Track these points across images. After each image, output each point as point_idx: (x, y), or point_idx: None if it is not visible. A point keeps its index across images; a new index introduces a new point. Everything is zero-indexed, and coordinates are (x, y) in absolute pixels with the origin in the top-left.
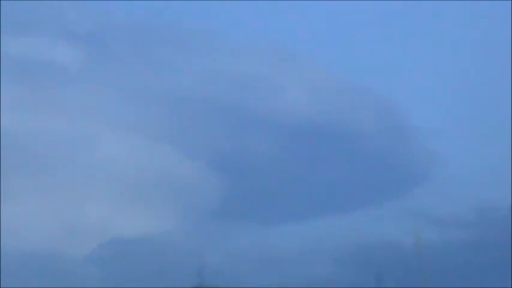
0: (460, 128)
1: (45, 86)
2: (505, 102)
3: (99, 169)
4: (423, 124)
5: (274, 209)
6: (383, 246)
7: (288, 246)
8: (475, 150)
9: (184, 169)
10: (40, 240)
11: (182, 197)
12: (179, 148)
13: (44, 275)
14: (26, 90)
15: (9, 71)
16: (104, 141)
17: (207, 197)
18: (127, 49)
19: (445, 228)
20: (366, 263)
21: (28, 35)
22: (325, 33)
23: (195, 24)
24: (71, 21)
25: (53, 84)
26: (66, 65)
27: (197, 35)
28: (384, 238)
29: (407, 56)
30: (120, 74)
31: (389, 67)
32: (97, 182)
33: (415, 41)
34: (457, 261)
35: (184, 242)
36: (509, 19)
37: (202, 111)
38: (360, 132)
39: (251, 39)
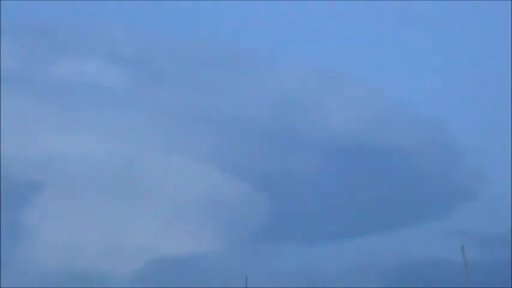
0: (507, 145)
1: (91, 108)
2: None
3: (145, 190)
4: (470, 142)
5: (319, 228)
6: (429, 265)
7: (333, 265)
8: None
9: (229, 190)
10: (87, 259)
11: (227, 217)
12: (224, 169)
13: None
14: (72, 113)
15: (55, 93)
16: (150, 163)
17: (251, 217)
18: (172, 71)
19: (491, 247)
20: (412, 282)
21: (74, 57)
22: (369, 53)
23: (241, 45)
24: (117, 44)
25: (99, 107)
26: (112, 87)
27: (242, 55)
28: (430, 257)
29: (453, 74)
30: (166, 96)
31: (434, 85)
32: (143, 203)
33: (462, 59)
34: (503, 280)
35: (228, 261)
36: None
37: (247, 132)
38: (406, 150)
39: (296, 58)
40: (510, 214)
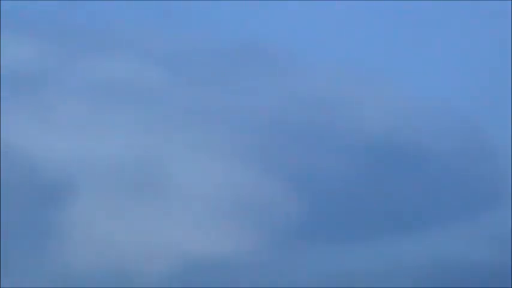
0: None
1: (124, 108)
2: None
3: (176, 189)
4: (503, 143)
5: (351, 228)
6: (460, 266)
7: (367, 266)
8: None
9: (263, 190)
10: (117, 258)
11: (258, 216)
12: (258, 169)
13: None
14: (105, 113)
15: (90, 93)
16: (181, 162)
17: (282, 217)
18: (206, 71)
19: None
20: (443, 282)
21: (108, 55)
22: (400, 53)
23: (275, 46)
24: (152, 43)
25: (131, 107)
26: (146, 87)
27: (276, 56)
28: (461, 257)
29: (484, 72)
30: (199, 96)
31: (466, 84)
32: (177, 203)
33: (494, 58)
34: None
35: (261, 263)
36: None
37: (279, 131)
38: (440, 152)
39: (329, 59)
40: None
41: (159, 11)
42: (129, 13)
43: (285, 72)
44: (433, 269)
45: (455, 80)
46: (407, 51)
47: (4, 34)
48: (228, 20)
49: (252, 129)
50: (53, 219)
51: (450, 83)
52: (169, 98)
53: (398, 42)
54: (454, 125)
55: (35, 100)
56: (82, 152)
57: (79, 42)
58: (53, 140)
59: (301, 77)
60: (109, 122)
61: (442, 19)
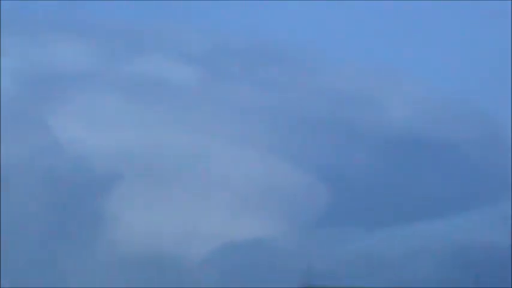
0: None
1: (162, 103)
2: None
3: (215, 180)
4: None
5: (377, 215)
6: (480, 249)
7: (390, 250)
8: None
9: (292, 179)
10: (162, 243)
11: (291, 205)
12: (287, 160)
13: (168, 275)
14: (146, 108)
15: (127, 89)
16: (218, 154)
17: (313, 204)
18: (237, 68)
19: None
20: (465, 264)
21: (146, 54)
22: (419, 49)
23: (301, 44)
24: (185, 43)
25: (169, 102)
26: (182, 83)
27: (303, 54)
28: (481, 241)
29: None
30: (231, 92)
31: (482, 77)
32: (213, 192)
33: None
34: None
35: (291, 246)
36: None
37: (308, 125)
38: (458, 142)
39: (350, 57)
40: None
41: (191, 13)
42: (164, 15)
43: (312, 70)
44: (455, 252)
45: (471, 74)
46: (425, 49)
47: (52, 36)
48: (257, 21)
49: (281, 123)
50: (102, 205)
51: (466, 78)
52: (203, 94)
53: (412, 39)
54: (475, 117)
55: (82, 98)
56: (126, 145)
57: (122, 43)
58: (100, 135)
59: (325, 74)
60: (149, 118)
61: (449, 17)
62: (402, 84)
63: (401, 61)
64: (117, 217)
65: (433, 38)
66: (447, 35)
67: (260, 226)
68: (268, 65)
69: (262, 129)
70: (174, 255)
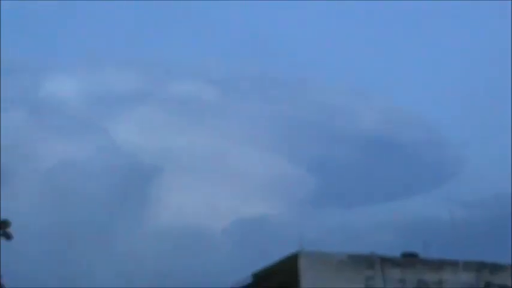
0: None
1: (195, 115)
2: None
3: (230, 171)
4: (453, 134)
5: (353, 197)
6: (427, 222)
7: (362, 223)
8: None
9: (288, 170)
10: (193, 219)
11: (287, 189)
12: (284, 156)
13: (195, 241)
14: (182, 119)
15: (166, 104)
16: (233, 152)
17: (304, 189)
18: (249, 88)
19: (471, 209)
20: (417, 234)
21: (179, 78)
22: (388, 70)
23: (295, 70)
24: (210, 68)
25: (199, 115)
26: (206, 100)
27: (297, 77)
28: (428, 215)
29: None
30: (244, 106)
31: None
32: (229, 180)
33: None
34: (481, 234)
35: (288, 220)
36: None
37: (300, 130)
38: (410, 143)
39: (334, 77)
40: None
41: (212, 44)
42: (192, 47)
43: (302, 89)
44: (408, 224)
45: (426, 91)
46: (389, 67)
47: (108, 63)
48: (263, 53)
49: (279, 128)
50: (148, 190)
51: (416, 92)
52: (223, 108)
53: (382, 61)
54: (420, 123)
55: (133, 111)
56: (166, 146)
57: (161, 70)
58: (146, 138)
59: (313, 91)
60: (183, 126)
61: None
62: (370, 98)
63: (371, 80)
64: (159, 199)
65: (398, 58)
66: (409, 54)
67: (264, 206)
68: (271, 86)
69: (266, 134)
70: (200, 226)
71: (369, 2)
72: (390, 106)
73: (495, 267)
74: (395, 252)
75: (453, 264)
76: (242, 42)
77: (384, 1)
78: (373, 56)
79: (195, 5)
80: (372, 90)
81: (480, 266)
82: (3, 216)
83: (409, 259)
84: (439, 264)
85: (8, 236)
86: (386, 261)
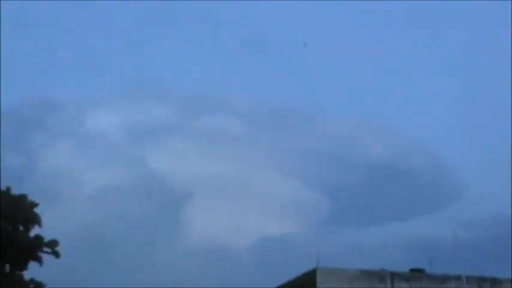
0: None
1: (222, 145)
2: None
3: (254, 194)
4: (454, 160)
5: (364, 218)
6: (432, 241)
7: (372, 241)
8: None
9: (305, 194)
10: (219, 237)
11: (305, 211)
12: (302, 181)
13: (222, 258)
14: (210, 148)
15: (196, 135)
16: (257, 177)
17: (320, 211)
18: (269, 120)
19: (472, 228)
20: (423, 251)
21: (209, 111)
22: (393, 103)
23: (310, 107)
24: (235, 103)
25: (226, 144)
26: (232, 131)
27: (311, 112)
28: (432, 235)
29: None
30: (266, 137)
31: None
32: (253, 202)
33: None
34: (481, 251)
35: (306, 239)
36: None
37: (316, 158)
38: (414, 169)
39: (343, 110)
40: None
41: (238, 80)
42: (218, 83)
43: (316, 122)
44: (413, 243)
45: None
46: (393, 100)
47: (146, 101)
48: (283, 89)
49: (297, 157)
50: (180, 212)
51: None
52: (247, 138)
53: (385, 93)
54: (422, 149)
55: (166, 141)
56: (197, 173)
57: (190, 103)
58: (179, 166)
59: (326, 124)
60: (212, 154)
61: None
62: (378, 129)
63: (377, 111)
64: (190, 221)
65: (401, 89)
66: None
67: (284, 226)
68: (292, 120)
69: (285, 161)
70: (227, 245)
71: (374, 34)
72: (396, 134)
73: (495, 281)
74: (403, 268)
75: (457, 278)
76: (266, 77)
77: (388, 31)
78: (380, 88)
79: (223, 41)
80: (379, 120)
81: (481, 280)
82: (53, 235)
83: (417, 274)
84: (444, 279)
85: (57, 255)
86: (395, 276)
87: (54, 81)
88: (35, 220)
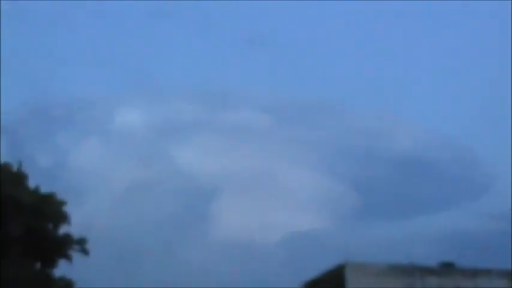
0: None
1: (247, 141)
2: None
3: (282, 190)
4: (484, 152)
5: (392, 211)
6: (462, 234)
7: (400, 234)
8: None
9: (333, 188)
10: (246, 234)
11: (333, 205)
12: (330, 175)
13: (250, 253)
14: (236, 144)
15: (223, 131)
16: (284, 173)
17: (348, 205)
18: (297, 116)
19: (501, 221)
20: (452, 245)
21: (236, 107)
22: (420, 95)
23: (337, 100)
24: (262, 98)
25: (252, 141)
26: (259, 127)
27: (338, 106)
28: (463, 228)
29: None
30: (293, 132)
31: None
32: (280, 198)
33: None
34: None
35: (334, 234)
36: None
37: (343, 152)
38: (443, 161)
39: (371, 103)
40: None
41: (263, 75)
42: (246, 77)
43: (343, 115)
44: (441, 236)
45: (448, 112)
46: (421, 93)
47: (173, 98)
48: (311, 82)
49: (325, 151)
50: (208, 208)
51: (446, 115)
52: (274, 133)
53: (412, 86)
54: (453, 145)
55: (193, 137)
56: (224, 169)
57: (219, 99)
58: (206, 162)
59: (353, 117)
60: (239, 150)
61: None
62: (404, 121)
63: (404, 104)
64: (219, 216)
65: (430, 84)
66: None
67: (313, 220)
68: (317, 114)
69: (313, 156)
70: (255, 240)
71: (398, 30)
72: (423, 127)
73: None
74: (432, 262)
75: (487, 272)
76: (289, 71)
77: (415, 27)
78: (402, 79)
79: (249, 36)
80: (404, 112)
81: None
82: (82, 232)
83: (446, 268)
84: (474, 272)
85: (86, 252)
86: (424, 270)
87: (80, 80)
88: (64, 218)
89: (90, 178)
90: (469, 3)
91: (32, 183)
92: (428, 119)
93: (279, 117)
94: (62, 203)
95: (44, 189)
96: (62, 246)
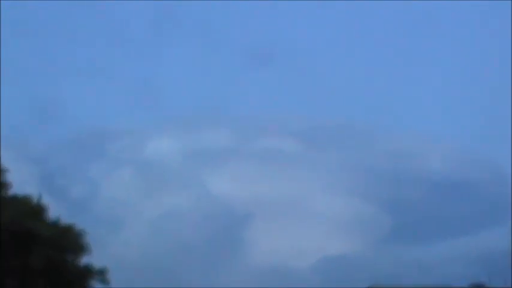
0: None
1: (278, 165)
2: None
3: (313, 214)
4: None
5: (425, 233)
6: (495, 255)
7: (434, 257)
8: None
9: (364, 211)
10: (279, 258)
11: (364, 228)
12: (360, 198)
13: (284, 278)
14: (267, 168)
15: (255, 157)
16: (315, 197)
17: (379, 228)
18: (326, 140)
19: None
20: (486, 265)
21: (265, 133)
22: (452, 117)
23: (365, 123)
24: (291, 124)
25: (282, 164)
26: (289, 152)
27: (366, 129)
28: (495, 249)
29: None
30: (323, 156)
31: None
32: (312, 222)
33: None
34: None
35: (366, 256)
36: None
37: (374, 174)
38: (475, 182)
39: (401, 125)
40: None
41: (292, 102)
42: (276, 105)
43: (374, 138)
44: (475, 257)
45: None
46: (452, 114)
47: (203, 127)
48: (337, 107)
49: (355, 174)
50: (241, 233)
51: (477, 135)
52: (304, 158)
53: (444, 109)
54: (486, 164)
55: (226, 164)
56: (256, 195)
57: (249, 127)
58: (239, 188)
59: (383, 140)
60: (270, 176)
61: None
62: (436, 143)
63: (434, 126)
64: (252, 241)
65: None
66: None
67: (345, 244)
68: (346, 136)
69: (343, 179)
70: (289, 265)
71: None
72: (454, 148)
73: None
74: (463, 283)
75: None
76: (318, 95)
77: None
78: (431, 101)
79: (265, 58)
80: (435, 133)
81: None
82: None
83: None
84: None
85: (106, 283)
86: None
87: (111, 112)
88: (84, 249)
89: (124, 207)
90: None
91: (69, 215)
92: (460, 140)
93: (310, 142)
94: (81, 234)
95: (79, 220)
96: (83, 278)
